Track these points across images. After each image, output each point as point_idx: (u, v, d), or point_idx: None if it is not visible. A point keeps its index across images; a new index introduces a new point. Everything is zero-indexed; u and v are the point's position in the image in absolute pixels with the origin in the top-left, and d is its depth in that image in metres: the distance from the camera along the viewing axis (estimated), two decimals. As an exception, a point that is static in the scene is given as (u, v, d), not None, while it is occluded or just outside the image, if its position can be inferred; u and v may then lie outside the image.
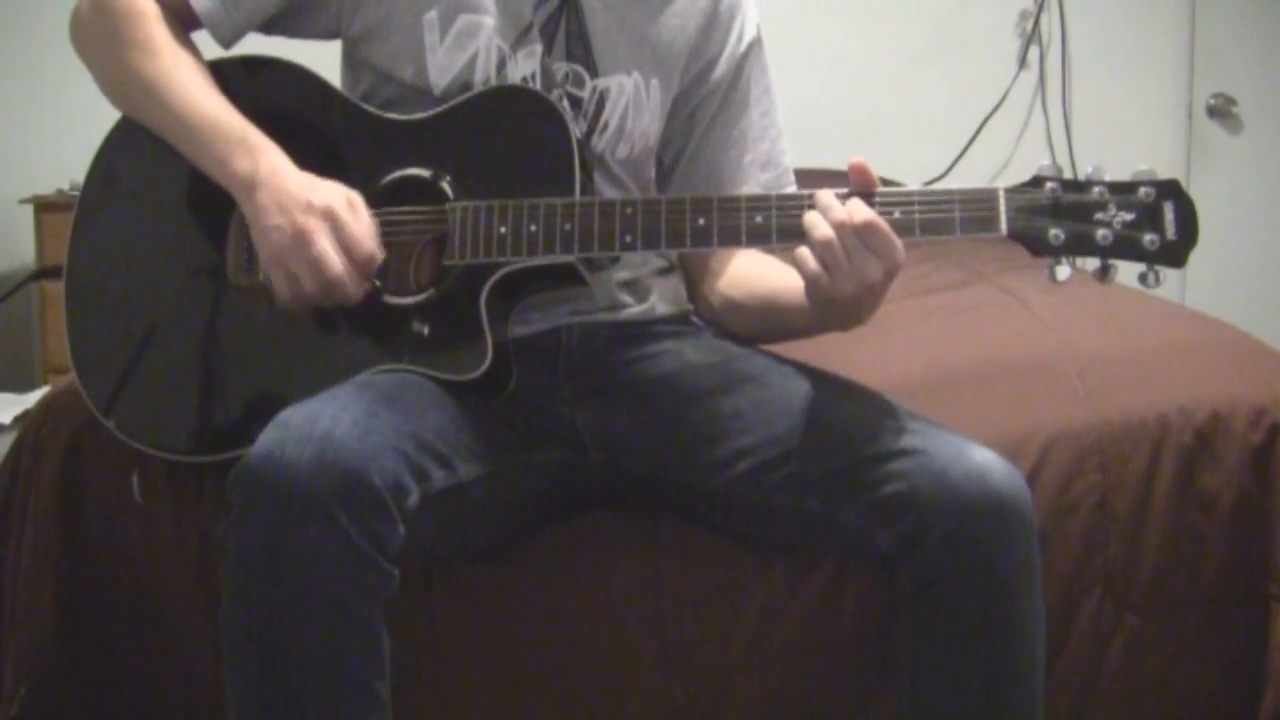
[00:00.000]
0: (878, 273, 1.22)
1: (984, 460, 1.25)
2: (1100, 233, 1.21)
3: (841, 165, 1.26)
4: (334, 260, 1.28)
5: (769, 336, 1.52)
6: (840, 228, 1.21)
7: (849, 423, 1.32)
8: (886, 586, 1.32)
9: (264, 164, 1.31)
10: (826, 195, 1.24)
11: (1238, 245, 3.37)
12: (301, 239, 1.28)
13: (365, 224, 1.31)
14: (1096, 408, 1.52)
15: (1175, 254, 1.21)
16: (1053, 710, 1.33)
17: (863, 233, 1.21)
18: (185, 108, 1.36)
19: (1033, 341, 1.77)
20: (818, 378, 1.41)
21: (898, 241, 1.22)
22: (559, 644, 1.43)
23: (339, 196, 1.30)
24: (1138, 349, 1.67)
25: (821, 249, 1.22)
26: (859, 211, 1.21)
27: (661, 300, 1.52)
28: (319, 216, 1.28)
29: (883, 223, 1.21)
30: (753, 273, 1.52)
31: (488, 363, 1.31)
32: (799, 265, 1.25)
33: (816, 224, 1.22)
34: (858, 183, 1.25)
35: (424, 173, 1.37)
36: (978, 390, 1.58)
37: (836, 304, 1.26)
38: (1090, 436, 1.48)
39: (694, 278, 1.58)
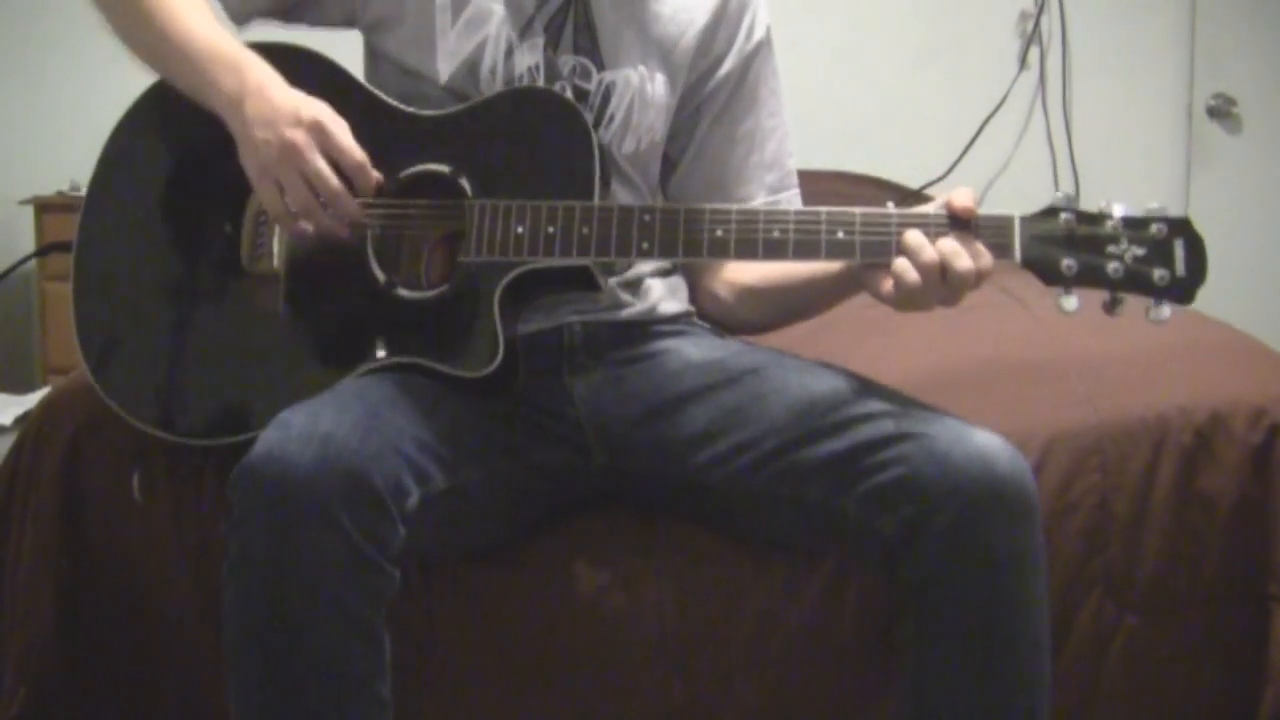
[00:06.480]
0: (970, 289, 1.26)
1: (986, 443, 1.25)
2: (1112, 265, 1.23)
3: (841, 165, 1.26)
4: (330, 176, 1.28)
5: (790, 314, 1.52)
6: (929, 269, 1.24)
7: (849, 410, 1.31)
8: (887, 587, 1.32)
9: (251, 79, 1.31)
10: (917, 236, 1.24)
11: (1238, 245, 3.36)
12: (292, 153, 1.28)
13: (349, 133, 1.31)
14: (1096, 408, 1.52)
15: (1184, 290, 1.23)
16: (1053, 710, 1.32)
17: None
18: (184, 36, 1.36)
19: (1033, 341, 1.77)
20: (818, 369, 1.40)
21: (987, 262, 1.24)
22: (559, 644, 1.43)
23: (326, 108, 1.30)
24: (1137, 349, 1.67)
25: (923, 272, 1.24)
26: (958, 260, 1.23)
27: (663, 299, 1.52)
28: (307, 129, 1.28)
29: (977, 263, 1.23)
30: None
31: (499, 360, 1.31)
32: (895, 277, 1.25)
33: (906, 270, 1.24)
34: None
35: (443, 168, 1.37)
36: (978, 390, 1.57)
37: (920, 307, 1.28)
38: (1090, 436, 1.48)
39: (701, 277, 1.58)
